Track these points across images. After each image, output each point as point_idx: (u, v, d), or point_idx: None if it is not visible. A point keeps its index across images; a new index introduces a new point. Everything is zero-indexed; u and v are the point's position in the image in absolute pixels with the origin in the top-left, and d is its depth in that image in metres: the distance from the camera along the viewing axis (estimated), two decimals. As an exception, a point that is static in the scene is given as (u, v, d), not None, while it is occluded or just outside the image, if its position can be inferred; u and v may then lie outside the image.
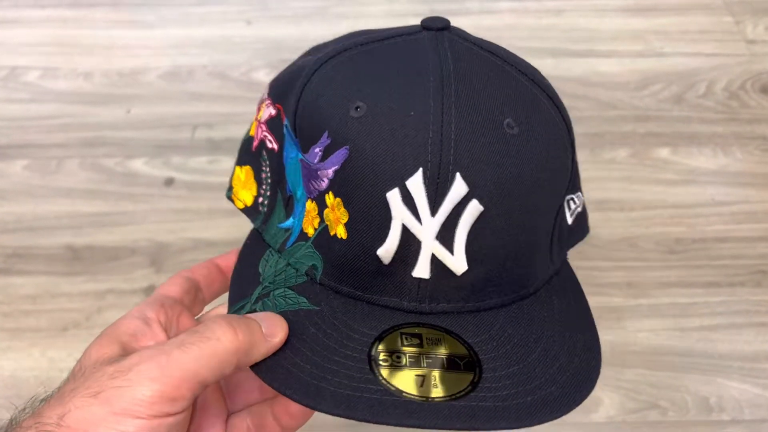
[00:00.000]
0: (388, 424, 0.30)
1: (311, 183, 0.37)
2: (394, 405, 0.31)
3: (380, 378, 0.32)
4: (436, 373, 0.33)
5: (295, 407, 0.37)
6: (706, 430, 0.60)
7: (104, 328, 0.35)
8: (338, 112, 0.36)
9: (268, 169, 0.41)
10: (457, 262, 0.34)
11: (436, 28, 0.38)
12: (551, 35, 0.92)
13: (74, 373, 0.32)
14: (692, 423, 0.60)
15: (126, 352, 0.33)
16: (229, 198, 0.44)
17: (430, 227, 0.34)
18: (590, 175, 0.77)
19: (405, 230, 0.34)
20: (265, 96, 0.42)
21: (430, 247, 0.34)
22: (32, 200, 0.75)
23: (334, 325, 0.35)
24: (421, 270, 0.35)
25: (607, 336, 0.65)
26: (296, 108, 0.38)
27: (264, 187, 0.42)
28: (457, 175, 0.33)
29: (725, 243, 0.71)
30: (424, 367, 0.33)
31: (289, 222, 0.39)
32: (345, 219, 0.35)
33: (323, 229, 0.36)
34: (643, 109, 0.83)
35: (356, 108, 0.35)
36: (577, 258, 0.70)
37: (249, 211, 0.43)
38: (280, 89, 0.41)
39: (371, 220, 0.35)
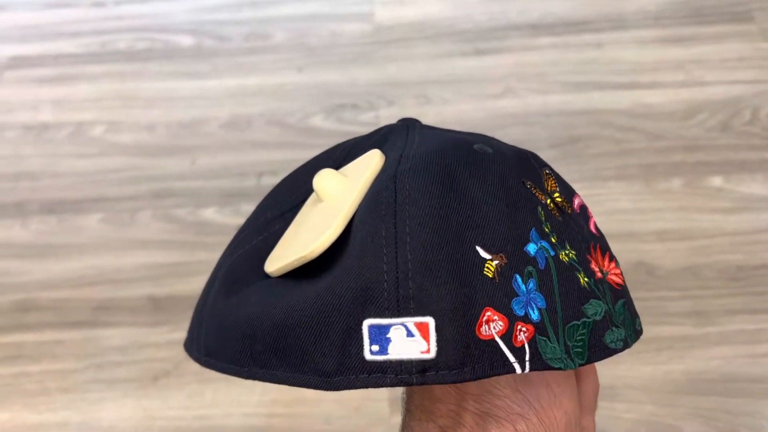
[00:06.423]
0: None
1: None
2: None
3: None
4: None
5: None
6: (786, 454, 0.62)
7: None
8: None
9: None
10: None
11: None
12: (594, 69, 0.95)
13: None
14: (772, 448, 0.62)
15: None
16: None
17: None
18: (647, 206, 0.79)
19: None
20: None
21: None
22: (110, 253, 0.78)
23: None
24: None
25: (680, 365, 0.67)
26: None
27: None
28: None
29: (786, 268, 0.73)
30: None
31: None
32: None
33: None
34: (691, 138, 0.86)
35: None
36: (642, 289, 0.73)
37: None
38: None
39: None
